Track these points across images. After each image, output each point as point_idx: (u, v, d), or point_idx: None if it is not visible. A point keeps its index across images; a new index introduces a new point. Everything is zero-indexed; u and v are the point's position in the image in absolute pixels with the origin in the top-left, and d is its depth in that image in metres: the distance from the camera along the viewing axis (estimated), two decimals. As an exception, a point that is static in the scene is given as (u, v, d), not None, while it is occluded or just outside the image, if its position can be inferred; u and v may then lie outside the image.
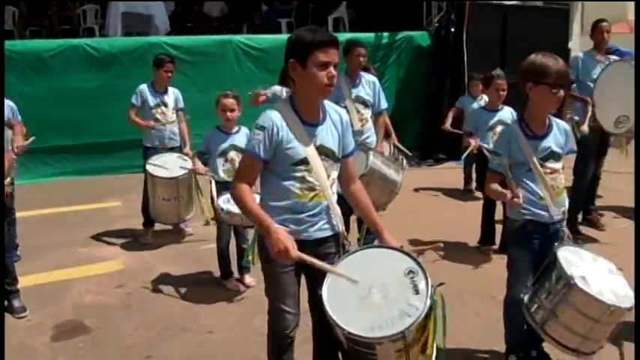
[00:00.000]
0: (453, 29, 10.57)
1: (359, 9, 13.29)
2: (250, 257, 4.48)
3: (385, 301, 2.40)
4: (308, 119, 2.66)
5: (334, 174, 2.74)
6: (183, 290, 4.79)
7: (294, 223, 2.64)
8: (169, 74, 5.95)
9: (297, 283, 2.76)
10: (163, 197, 5.37)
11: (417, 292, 2.40)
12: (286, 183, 2.62)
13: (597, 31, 5.95)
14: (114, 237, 6.14)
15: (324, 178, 2.67)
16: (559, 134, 3.22)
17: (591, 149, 5.93)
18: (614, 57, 6.09)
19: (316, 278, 2.59)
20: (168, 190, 5.34)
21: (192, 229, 6.12)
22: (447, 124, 7.89)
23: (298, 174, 2.62)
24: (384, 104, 5.25)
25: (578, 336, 2.83)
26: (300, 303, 2.78)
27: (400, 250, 2.59)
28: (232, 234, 4.81)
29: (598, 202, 7.06)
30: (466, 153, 5.88)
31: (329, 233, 2.75)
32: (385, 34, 10.74)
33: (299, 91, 2.67)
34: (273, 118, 2.60)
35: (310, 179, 2.64)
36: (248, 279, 4.81)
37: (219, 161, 4.70)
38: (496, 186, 3.21)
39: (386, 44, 10.71)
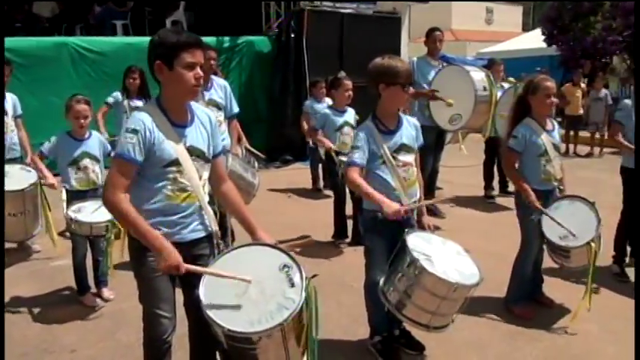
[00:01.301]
0: (293, 35, 10.88)
1: (197, 12, 13.19)
2: (106, 269, 4.40)
3: (262, 296, 2.47)
4: (177, 120, 2.66)
5: (205, 174, 2.76)
6: (38, 311, 4.46)
7: (166, 226, 2.62)
8: (5, 78, 5.52)
9: (172, 286, 2.74)
10: (9, 212, 4.95)
11: (292, 285, 2.50)
12: (158, 185, 2.59)
13: (432, 39, 6.51)
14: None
15: (196, 178, 2.67)
16: (410, 128, 3.48)
17: (429, 145, 6.46)
18: (445, 63, 6.68)
19: (192, 279, 2.60)
20: (14, 204, 4.92)
21: (39, 245, 5.70)
22: (309, 138, 8.15)
23: (170, 175, 2.60)
24: (235, 108, 5.31)
25: (428, 313, 3.08)
26: (175, 307, 2.76)
27: (274, 246, 2.66)
28: (88, 246, 4.59)
29: (440, 194, 7.71)
30: (323, 152, 6.07)
31: (202, 234, 2.76)
32: (226, 38, 10.79)
33: (166, 93, 2.65)
34: (144, 119, 2.57)
35: (182, 180, 2.63)
36: (106, 292, 4.61)
37: (71, 170, 4.44)
38: (362, 184, 3.35)
39: (227, 48, 10.76)
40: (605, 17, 17.45)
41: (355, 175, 3.35)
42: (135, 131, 2.53)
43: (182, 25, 12.75)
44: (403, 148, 3.41)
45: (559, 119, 13.15)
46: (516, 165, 4.15)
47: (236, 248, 2.73)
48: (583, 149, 12.24)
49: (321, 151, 6.78)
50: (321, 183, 8.51)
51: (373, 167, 3.39)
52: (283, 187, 8.67)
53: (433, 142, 6.51)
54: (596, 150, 12.07)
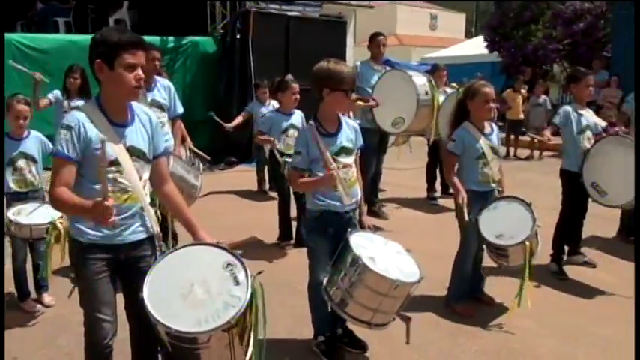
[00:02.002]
0: (238, 36, 10.83)
1: (141, 11, 12.98)
2: (46, 273, 4.27)
3: (208, 295, 2.45)
4: (116, 120, 2.62)
5: (146, 175, 2.73)
6: (-26, 318, 4.31)
7: (107, 228, 2.57)
8: None
9: (113, 289, 2.69)
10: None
11: (237, 282, 2.50)
12: (98, 186, 2.51)
13: (375, 43, 6.60)
14: None
15: (137, 179, 2.64)
16: (349, 131, 3.53)
17: (373, 148, 6.56)
18: (388, 67, 6.78)
19: (134, 282, 2.56)
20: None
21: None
22: (231, 124, 8.17)
23: (110, 176, 2.55)
24: (179, 109, 5.26)
25: (370, 310, 3.14)
26: (116, 310, 2.72)
27: (216, 245, 2.65)
28: (28, 250, 4.45)
29: (383, 195, 7.83)
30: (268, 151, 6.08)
31: (144, 236, 2.73)
32: (171, 38, 10.66)
33: (106, 92, 2.62)
34: (79, 117, 2.53)
35: (122, 181, 2.60)
36: (47, 298, 4.48)
37: (8, 171, 4.31)
38: (303, 180, 3.42)
39: (172, 49, 10.65)
40: (545, 26, 18.07)
41: (297, 180, 3.43)
42: (69, 127, 2.50)
43: (126, 23, 12.53)
44: (343, 150, 3.46)
45: (500, 123, 13.57)
46: (455, 167, 4.25)
47: (178, 248, 2.70)
48: (523, 152, 12.61)
49: (267, 150, 6.79)
50: (267, 185, 8.51)
51: (315, 170, 3.43)
52: (228, 189, 8.62)
53: (376, 144, 6.61)
54: (536, 153, 12.46)
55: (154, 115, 2.87)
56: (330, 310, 3.40)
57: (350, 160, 3.50)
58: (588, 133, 5.16)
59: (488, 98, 4.13)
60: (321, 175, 3.39)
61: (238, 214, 7.34)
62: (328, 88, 3.35)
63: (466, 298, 4.43)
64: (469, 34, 39.87)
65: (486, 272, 4.71)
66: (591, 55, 16.02)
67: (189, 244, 2.73)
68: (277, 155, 5.72)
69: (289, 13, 11.56)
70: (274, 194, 8.12)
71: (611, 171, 4.93)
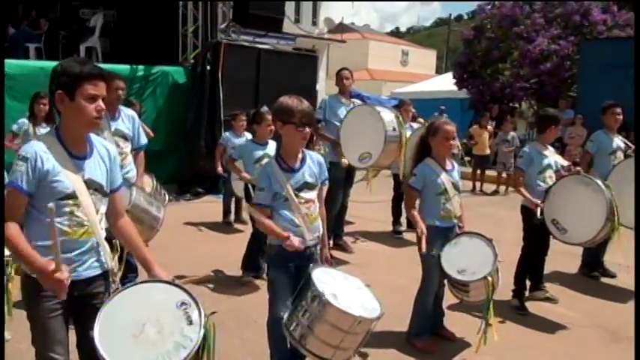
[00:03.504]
0: (208, 67, 10.86)
1: (113, 39, 12.97)
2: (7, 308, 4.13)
3: (160, 335, 2.40)
4: (75, 152, 2.58)
5: (103, 209, 2.69)
6: None
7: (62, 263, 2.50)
8: None
9: (66, 327, 2.62)
10: None
11: (190, 322, 2.44)
12: (48, 219, 2.42)
13: (339, 78, 6.69)
14: None
15: (93, 213, 2.59)
16: (313, 166, 3.52)
17: (339, 181, 6.59)
18: (357, 101, 6.85)
19: (87, 320, 2.49)
20: None
21: None
22: (219, 168, 8.10)
23: (66, 209, 2.50)
24: (143, 140, 5.22)
25: (332, 347, 3.09)
26: (68, 348, 2.64)
27: (171, 282, 2.60)
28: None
29: (349, 229, 7.83)
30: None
31: (98, 271, 2.67)
32: (141, 67, 10.63)
33: (65, 123, 2.58)
34: (37, 149, 2.49)
35: (79, 214, 2.55)
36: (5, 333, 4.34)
37: None
38: (267, 222, 3.39)
39: (141, 77, 10.60)
40: (513, 65, 18.52)
41: (260, 216, 3.41)
42: (25, 159, 2.45)
43: (97, 51, 12.50)
44: (306, 186, 3.46)
45: (468, 158, 13.78)
46: (417, 202, 4.27)
47: (132, 285, 2.64)
48: (490, 187, 12.77)
49: (234, 184, 6.74)
50: (232, 216, 8.45)
51: (277, 205, 3.42)
52: (194, 220, 8.51)
53: (343, 178, 6.64)
54: (502, 188, 12.62)
55: (113, 149, 2.83)
56: (289, 346, 3.36)
57: (312, 195, 3.49)
58: (550, 172, 5.27)
59: (448, 136, 4.19)
60: (283, 210, 3.39)
61: (203, 247, 7.24)
62: (280, 121, 3.40)
63: (427, 334, 4.42)
64: (440, 70, 40.66)
65: (448, 308, 4.74)
66: (557, 94, 16.43)
67: (144, 281, 2.67)
68: (250, 187, 5.68)
69: (260, 46, 11.64)
70: (240, 226, 8.11)
71: (571, 209, 5.03)
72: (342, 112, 6.41)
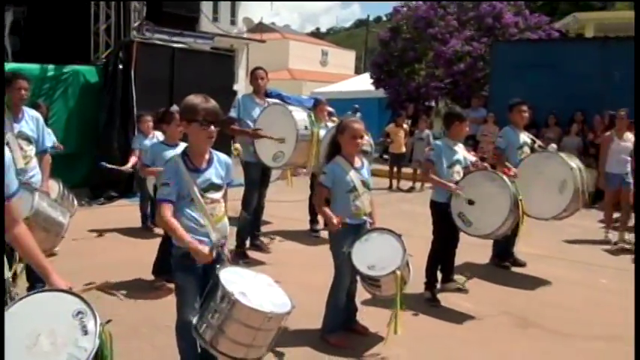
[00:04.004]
0: (121, 66, 10.57)
1: (24, 38, 12.40)
2: None
3: (53, 347, 2.30)
4: None
5: None
6: None
7: None
8: None
9: None
10: None
11: (85, 332, 2.35)
12: None
13: (253, 77, 6.65)
14: None
15: None
16: (219, 167, 3.46)
17: (254, 181, 6.57)
18: (271, 100, 6.83)
19: None
20: None
21: None
22: (127, 165, 7.87)
23: None
24: (48, 142, 5.02)
25: (244, 346, 3.07)
26: None
27: (68, 291, 2.50)
28: None
29: (267, 228, 7.81)
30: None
31: None
32: (51, 66, 10.21)
33: None
34: None
35: None
36: None
37: None
38: (168, 214, 3.29)
39: (52, 77, 10.19)
40: (428, 65, 19.02)
41: (167, 213, 3.29)
42: None
43: (6, 50, 11.91)
44: (212, 186, 3.40)
45: (386, 156, 14.08)
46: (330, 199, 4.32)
47: (27, 295, 2.51)
48: (406, 184, 13.07)
49: (150, 187, 6.56)
50: (150, 221, 8.23)
51: (182, 205, 3.34)
52: (108, 225, 8.23)
53: (258, 178, 6.61)
54: (418, 185, 12.95)
55: (8, 155, 2.70)
56: (200, 349, 3.32)
57: (218, 195, 3.44)
58: (458, 167, 5.46)
59: (356, 134, 4.25)
60: (188, 210, 3.32)
61: (118, 251, 7.04)
62: (185, 120, 3.34)
63: (341, 330, 4.47)
64: (359, 71, 41.26)
65: (362, 303, 4.82)
66: (471, 93, 17.01)
67: (39, 291, 2.55)
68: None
69: (174, 45, 11.44)
70: (159, 230, 7.89)
71: (478, 203, 5.22)
72: (255, 111, 6.38)
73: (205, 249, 3.22)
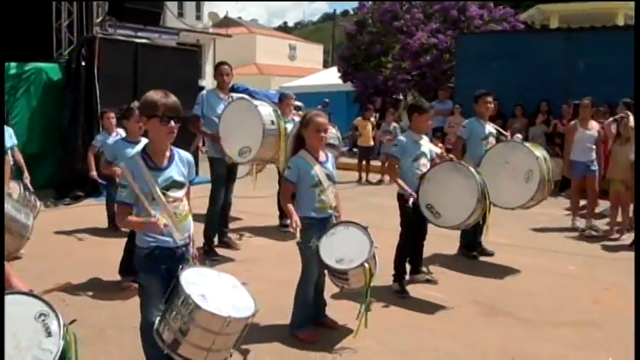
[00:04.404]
0: (84, 63, 10.37)
1: (-17, 35, 12.07)
2: None
3: (17, 350, 2.26)
4: None
5: None
6: None
7: None
8: None
9: None
10: None
11: (49, 334, 2.33)
12: None
13: (218, 73, 6.57)
14: None
15: None
16: (181, 165, 3.39)
17: (221, 178, 6.51)
18: (236, 95, 6.77)
19: None
20: None
21: None
22: (93, 172, 7.68)
23: None
24: (8, 142, 4.90)
25: (204, 350, 3.01)
26: None
27: (29, 293, 2.45)
28: None
29: (236, 225, 7.76)
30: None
31: None
32: (13, 64, 9.97)
33: None
34: None
35: None
36: None
37: None
38: (131, 219, 3.24)
39: (14, 75, 9.95)
40: (395, 58, 19.08)
41: (123, 215, 3.25)
42: None
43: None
44: (174, 185, 3.32)
45: (355, 150, 14.10)
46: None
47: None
48: (375, 177, 13.11)
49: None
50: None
51: (139, 209, 3.25)
52: (74, 225, 8.07)
53: (224, 174, 6.54)
54: (387, 178, 12.98)
55: None
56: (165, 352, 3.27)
57: (180, 193, 3.36)
58: (424, 160, 5.48)
59: (319, 127, 4.23)
60: (153, 213, 3.23)
61: (85, 252, 6.91)
62: (145, 116, 3.26)
63: (310, 325, 4.46)
64: (327, 64, 41.25)
65: (331, 296, 4.81)
66: (438, 85, 17.12)
67: None
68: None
69: (137, 40, 11.26)
70: (127, 229, 7.75)
71: (445, 194, 5.26)
72: (220, 107, 6.29)
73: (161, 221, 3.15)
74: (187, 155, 3.49)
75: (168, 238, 3.26)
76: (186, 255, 3.39)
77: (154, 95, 3.24)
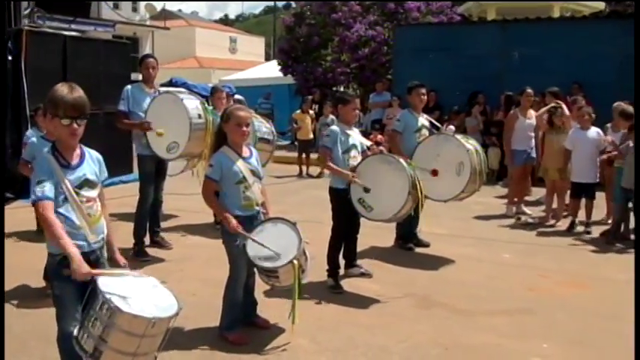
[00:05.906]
0: (10, 57, 9.89)
1: None
2: None
3: None
4: None
5: None
6: None
7: None
8: None
9: None
10: None
11: None
12: None
13: (143, 66, 6.34)
14: None
15: None
16: (92, 163, 3.24)
17: (149, 175, 6.31)
18: (162, 88, 6.55)
19: None
20: None
21: None
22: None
23: None
24: None
25: (128, 355, 2.88)
26: None
27: None
28: None
29: (171, 223, 7.54)
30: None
31: None
32: None
33: None
34: None
35: None
36: None
37: None
38: (49, 213, 2.96)
39: None
40: (334, 51, 19.04)
41: (49, 212, 2.97)
42: None
43: None
44: (87, 183, 3.15)
45: (296, 143, 14.02)
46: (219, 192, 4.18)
47: None
48: (315, 170, 13.05)
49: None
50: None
51: (56, 205, 3.04)
52: (6, 228, 7.67)
53: (153, 171, 6.34)
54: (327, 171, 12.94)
55: None
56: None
57: (94, 193, 3.20)
58: (354, 152, 5.44)
59: (240, 122, 4.10)
60: (62, 211, 3.04)
61: (9, 257, 6.48)
62: (50, 113, 3.07)
63: (240, 326, 4.33)
64: (269, 57, 40.95)
65: (263, 294, 4.72)
66: (376, 77, 17.18)
67: None
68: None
69: (66, 33, 10.82)
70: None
71: (376, 187, 5.22)
72: (146, 101, 6.08)
73: (85, 266, 2.93)
74: (97, 154, 3.31)
75: (82, 242, 3.09)
76: (100, 259, 3.22)
77: (58, 91, 3.04)
